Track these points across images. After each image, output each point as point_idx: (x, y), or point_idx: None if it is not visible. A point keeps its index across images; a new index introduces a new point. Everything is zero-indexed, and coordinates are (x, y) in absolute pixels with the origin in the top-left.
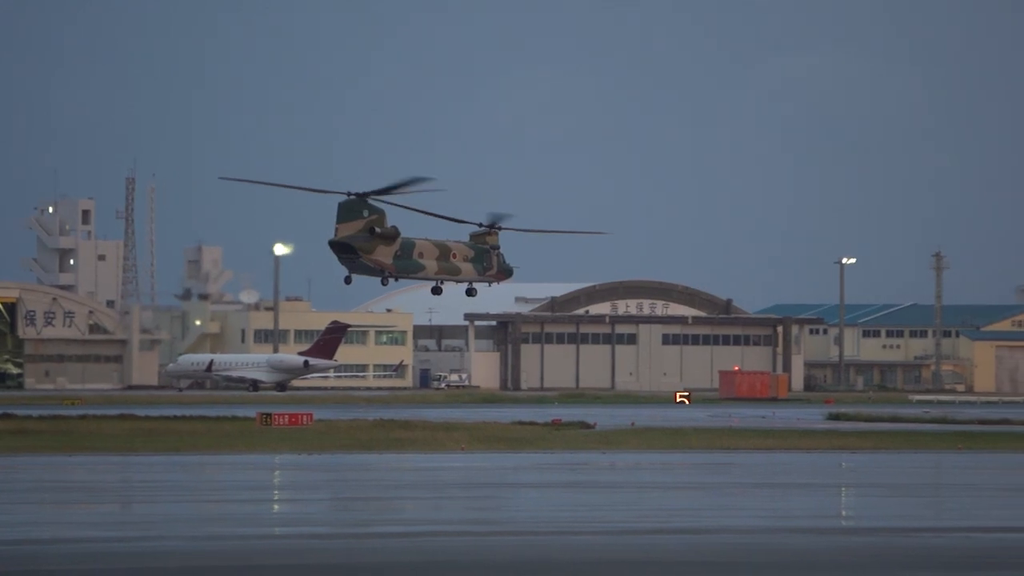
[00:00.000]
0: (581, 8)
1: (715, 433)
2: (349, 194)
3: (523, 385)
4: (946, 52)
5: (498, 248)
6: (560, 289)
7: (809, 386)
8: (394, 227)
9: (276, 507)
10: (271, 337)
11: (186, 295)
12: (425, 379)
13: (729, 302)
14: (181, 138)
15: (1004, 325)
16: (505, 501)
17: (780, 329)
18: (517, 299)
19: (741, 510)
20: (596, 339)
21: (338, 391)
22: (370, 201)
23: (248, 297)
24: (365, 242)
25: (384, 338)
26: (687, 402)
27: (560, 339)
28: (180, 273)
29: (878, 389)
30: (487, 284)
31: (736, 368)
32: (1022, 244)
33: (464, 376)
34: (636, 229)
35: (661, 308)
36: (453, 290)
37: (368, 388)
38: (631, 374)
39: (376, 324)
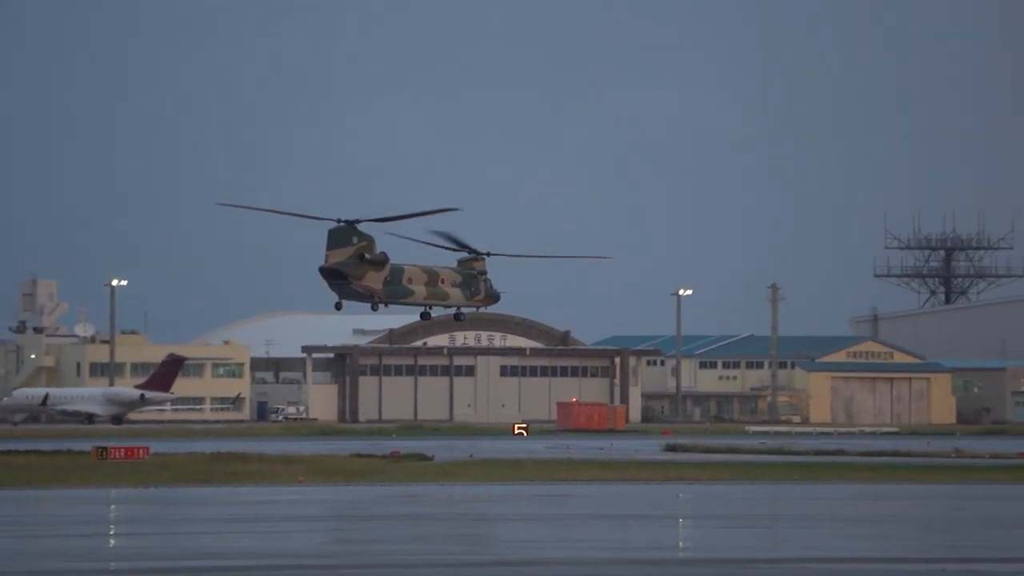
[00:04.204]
0: (422, 35)
1: (553, 464)
2: (339, 221)
3: (361, 417)
4: (782, 86)
5: (485, 274)
6: (398, 321)
7: (647, 417)
8: (383, 253)
9: (112, 542)
10: (107, 370)
11: (20, 328)
12: (262, 412)
13: (567, 333)
14: (16, 168)
15: (839, 356)
16: (342, 534)
17: (618, 360)
18: (355, 331)
19: (578, 541)
20: (434, 371)
21: (175, 424)
22: (359, 228)
23: (84, 330)
24: (355, 268)
25: (221, 370)
26: (525, 434)
27: (398, 371)
28: (14, 306)
29: (715, 420)
30: (475, 309)
31: (574, 399)
32: (857, 276)
33: (302, 408)
34: None
35: (499, 340)
36: (289, 323)
37: (205, 421)
38: (469, 406)
39: (213, 357)
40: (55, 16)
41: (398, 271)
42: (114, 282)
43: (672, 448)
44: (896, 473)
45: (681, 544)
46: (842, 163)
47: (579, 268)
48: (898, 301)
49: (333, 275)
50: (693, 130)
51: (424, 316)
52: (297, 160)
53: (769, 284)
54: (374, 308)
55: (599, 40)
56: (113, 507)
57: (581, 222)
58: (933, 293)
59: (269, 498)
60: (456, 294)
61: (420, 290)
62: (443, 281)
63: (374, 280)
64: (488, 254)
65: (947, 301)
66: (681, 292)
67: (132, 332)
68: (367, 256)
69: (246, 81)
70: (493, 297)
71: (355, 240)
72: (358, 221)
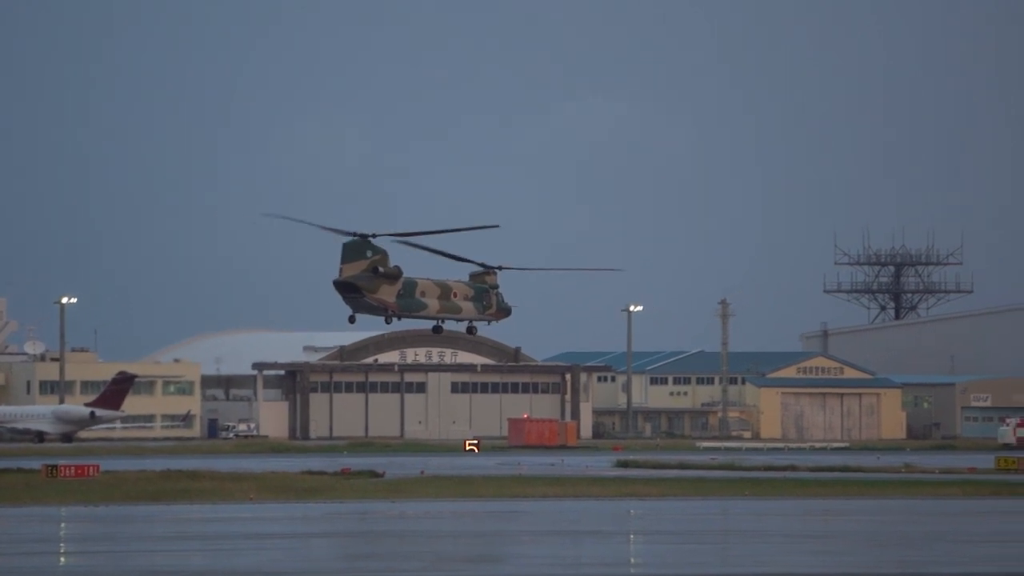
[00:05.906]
0: (375, 49)
1: (504, 481)
2: (354, 235)
3: (312, 434)
4: (732, 104)
5: (497, 287)
6: (349, 338)
7: (598, 433)
8: (397, 267)
9: (62, 560)
10: (57, 388)
11: None
12: (213, 429)
13: (518, 350)
14: None
15: (789, 372)
16: (291, 552)
17: (569, 376)
18: (306, 348)
19: (530, 558)
20: (385, 388)
21: (126, 442)
22: (373, 242)
23: (33, 348)
24: (369, 282)
25: (172, 388)
26: (476, 450)
27: (349, 388)
28: None
29: (666, 436)
30: (487, 323)
31: (525, 416)
32: (807, 291)
33: (253, 426)
34: None
35: (450, 356)
36: (240, 340)
37: (156, 439)
38: (420, 422)
39: (163, 374)
40: (5, 23)
41: (411, 285)
42: (64, 299)
43: (623, 464)
44: (847, 488)
45: (633, 560)
46: (792, 179)
47: (530, 284)
48: (848, 317)
49: (347, 288)
50: (643, 146)
51: (436, 330)
52: (256, 172)
53: (719, 300)
54: (387, 321)
55: (553, 52)
56: (63, 525)
57: (531, 237)
58: (883, 309)
59: (220, 516)
60: (468, 308)
61: (433, 304)
62: (456, 295)
63: (388, 294)
64: (499, 268)
65: (897, 317)
66: (632, 308)
67: (82, 350)
68: (381, 270)
69: (200, 94)
70: (505, 311)
71: (369, 254)
72: (373, 235)
